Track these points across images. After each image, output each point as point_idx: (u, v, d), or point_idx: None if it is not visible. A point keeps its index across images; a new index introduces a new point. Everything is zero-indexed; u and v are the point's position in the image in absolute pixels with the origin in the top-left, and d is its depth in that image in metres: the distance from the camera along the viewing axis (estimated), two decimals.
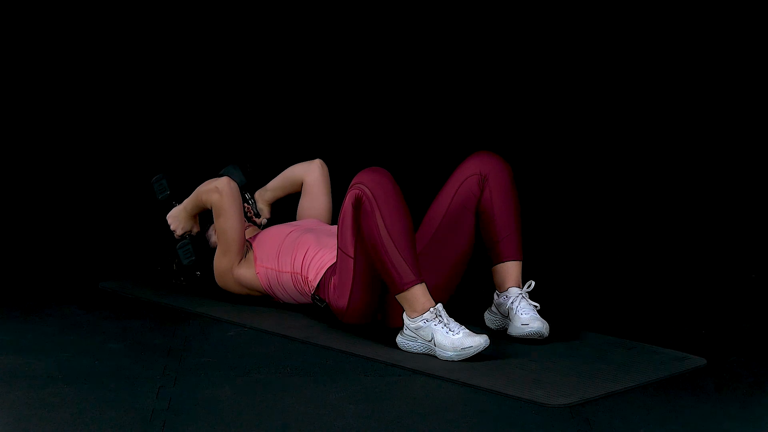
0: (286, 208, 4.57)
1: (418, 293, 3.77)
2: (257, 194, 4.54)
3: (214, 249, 4.35)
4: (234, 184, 4.26)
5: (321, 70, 5.50)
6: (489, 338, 3.75)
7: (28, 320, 4.15)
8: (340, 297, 3.93)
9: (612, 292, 4.58)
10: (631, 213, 5.32)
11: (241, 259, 4.25)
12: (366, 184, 3.81)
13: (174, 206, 4.45)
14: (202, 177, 4.40)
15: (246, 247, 4.29)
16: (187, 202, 4.38)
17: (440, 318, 3.76)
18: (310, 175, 4.48)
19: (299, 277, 4.12)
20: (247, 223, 4.42)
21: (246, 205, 4.48)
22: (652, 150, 5.41)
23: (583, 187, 5.44)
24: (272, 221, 4.49)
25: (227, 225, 4.22)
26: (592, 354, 3.83)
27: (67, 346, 3.87)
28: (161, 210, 4.48)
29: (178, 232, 4.40)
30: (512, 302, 3.96)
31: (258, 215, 4.51)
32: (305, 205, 4.49)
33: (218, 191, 4.24)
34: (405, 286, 3.77)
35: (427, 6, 5.46)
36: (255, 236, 4.31)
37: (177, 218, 4.40)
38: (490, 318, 4.08)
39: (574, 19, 5.42)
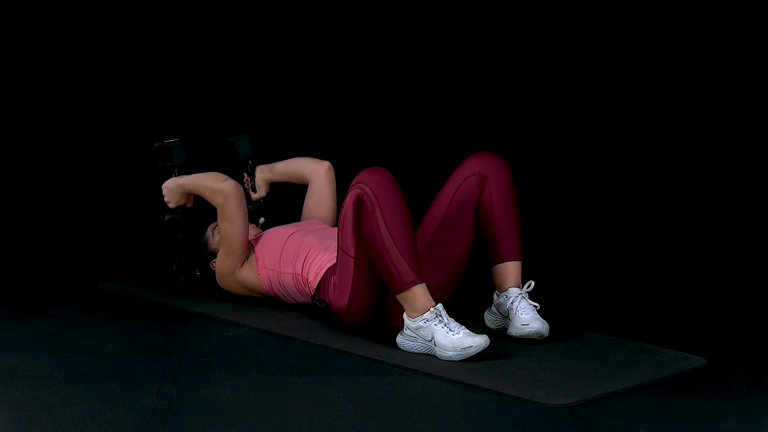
0: (287, 209, 4.57)
1: (419, 293, 3.77)
2: (259, 169, 4.50)
3: (210, 252, 4.34)
4: (240, 190, 4.20)
5: (322, 69, 5.50)
6: (489, 338, 3.75)
7: (28, 320, 4.15)
8: (340, 297, 3.93)
9: (612, 292, 4.58)
10: (631, 213, 5.32)
11: (243, 261, 4.25)
12: (367, 183, 3.81)
13: (174, 176, 4.34)
14: (208, 166, 4.35)
15: (248, 248, 4.28)
16: (187, 182, 4.30)
17: (440, 318, 3.76)
18: (318, 178, 4.47)
19: (300, 278, 4.11)
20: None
21: (246, 176, 4.43)
22: (652, 150, 5.41)
23: (582, 187, 5.44)
24: (274, 222, 4.49)
25: (232, 230, 4.20)
26: (592, 354, 3.83)
27: (67, 346, 3.87)
28: (159, 177, 4.35)
29: (171, 204, 4.34)
30: (512, 302, 3.96)
31: (255, 190, 4.47)
32: (311, 205, 4.47)
33: (224, 195, 4.19)
34: (405, 286, 3.76)
35: (427, 6, 5.46)
36: (257, 238, 4.30)
37: (172, 191, 4.33)
38: (490, 318, 4.07)
39: (574, 20, 5.42)
